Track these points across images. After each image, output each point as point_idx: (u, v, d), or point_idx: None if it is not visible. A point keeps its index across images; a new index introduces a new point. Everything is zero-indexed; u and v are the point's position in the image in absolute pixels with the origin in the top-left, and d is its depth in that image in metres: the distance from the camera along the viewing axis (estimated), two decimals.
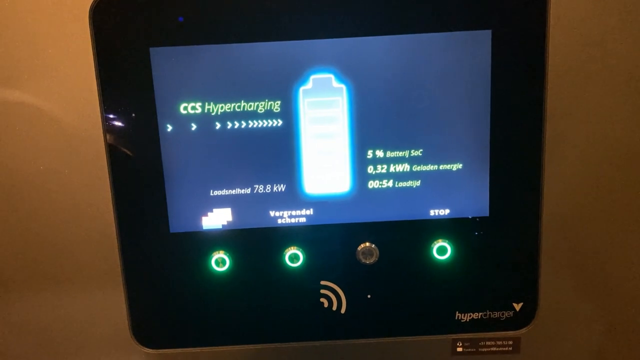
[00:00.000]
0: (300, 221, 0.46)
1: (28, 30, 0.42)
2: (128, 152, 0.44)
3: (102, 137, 0.44)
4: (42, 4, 0.41)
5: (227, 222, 0.46)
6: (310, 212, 0.46)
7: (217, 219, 0.46)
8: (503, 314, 0.48)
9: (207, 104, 0.43)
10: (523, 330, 0.48)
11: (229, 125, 0.44)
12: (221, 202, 0.45)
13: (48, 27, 0.42)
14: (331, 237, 0.46)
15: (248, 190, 0.45)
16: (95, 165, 0.44)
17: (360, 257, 0.46)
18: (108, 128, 0.44)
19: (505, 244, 0.46)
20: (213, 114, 0.44)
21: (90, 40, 0.42)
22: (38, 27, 0.42)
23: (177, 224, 0.46)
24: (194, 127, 0.44)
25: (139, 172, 0.45)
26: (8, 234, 0.46)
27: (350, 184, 0.45)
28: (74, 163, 0.44)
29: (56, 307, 0.48)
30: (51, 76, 0.43)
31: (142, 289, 0.47)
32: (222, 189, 0.45)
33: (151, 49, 0.42)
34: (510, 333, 0.48)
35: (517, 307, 0.48)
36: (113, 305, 0.47)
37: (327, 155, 0.45)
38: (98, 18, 0.41)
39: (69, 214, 0.45)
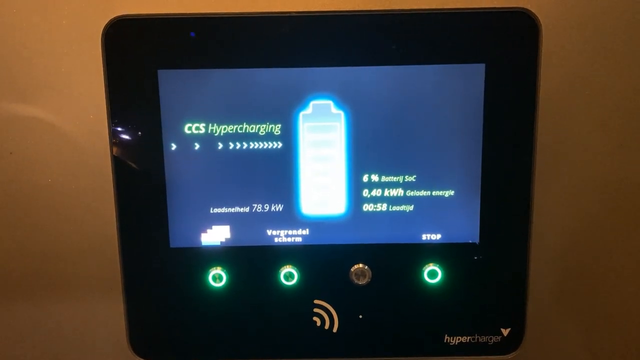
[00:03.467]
0: (296, 241, 0.47)
1: (43, 49, 0.43)
2: (133, 169, 0.45)
3: (109, 154, 0.45)
4: (58, 25, 0.43)
5: (226, 239, 0.47)
6: (306, 232, 0.47)
7: (216, 235, 0.47)
8: (491, 339, 0.48)
9: (210, 125, 0.45)
10: (510, 356, 0.49)
11: (231, 145, 0.45)
12: (220, 219, 0.47)
13: (62, 47, 0.43)
14: (326, 257, 0.47)
15: (247, 209, 0.46)
16: (100, 180, 0.45)
17: (353, 277, 0.47)
18: (115, 145, 0.45)
19: (494, 270, 0.47)
20: (216, 134, 0.45)
21: (101, 60, 0.43)
22: (53, 47, 0.43)
23: (177, 239, 0.47)
24: (197, 146, 0.45)
25: (142, 187, 0.46)
26: (13, 243, 0.47)
27: (345, 206, 0.47)
28: (80, 177, 0.45)
29: (56, 316, 0.48)
30: (63, 93, 0.44)
31: (141, 301, 0.48)
32: (221, 207, 0.46)
33: (159, 71, 0.44)
34: (498, 358, 0.49)
35: (505, 332, 0.48)
36: (112, 316, 0.48)
37: (324, 178, 0.46)
38: (110, 40, 0.43)
39: (73, 226, 0.46)
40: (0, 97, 0.44)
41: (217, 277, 0.47)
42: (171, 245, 0.47)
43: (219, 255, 0.47)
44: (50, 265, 0.47)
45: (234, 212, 0.46)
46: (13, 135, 0.45)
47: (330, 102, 0.45)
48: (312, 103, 0.45)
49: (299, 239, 0.47)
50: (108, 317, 0.48)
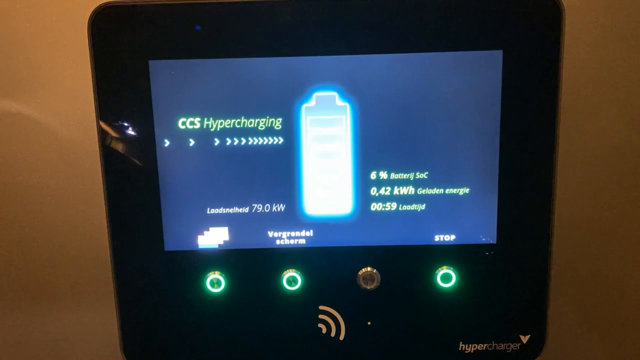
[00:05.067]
0: (299, 243, 0.45)
1: (26, 41, 0.42)
2: (124, 167, 0.43)
3: (98, 151, 0.43)
4: (41, 15, 0.41)
5: (224, 241, 0.45)
6: (310, 233, 0.45)
7: (213, 238, 0.45)
8: (509, 346, 0.46)
9: (206, 119, 0.43)
10: None
11: (229, 141, 0.43)
12: (218, 220, 0.44)
13: (47, 38, 0.42)
14: (331, 260, 0.45)
15: (246, 210, 0.44)
16: (90, 180, 0.44)
17: (361, 282, 0.45)
18: (104, 142, 0.43)
19: (513, 273, 0.45)
20: (212, 129, 0.43)
21: (88, 51, 0.41)
22: (37, 38, 0.42)
23: (172, 242, 0.45)
24: (192, 142, 0.43)
25: (134, 188, 0.44)
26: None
27: (352, 205, 0.44)
28: (69, 177, 0.44)
29: (47, 324, 0.47)
30: (49, 88, 0.43)
31: (134, 308, 0.46)
32: (219, 207, 0.44)
33: (150, 62, 0.41)
34: None
35: (524, 339, 0.46)
36: (105, 323, 0.47)
37: (329, 175, 0.44)
38: (97, 30, 0.41)
39: (62, 229, 0.45)
40: None
41: (215, 282, 0.45)
42: (166, 249, 0.45)
43: (217, 258, 0.45)
44: (38, 271, 0.46)
45: (233, 213, 0.44)
46: None
47: (335, 94, 0.42)
48: (316, 95, 0.42)
49: (302, 241, 0.45)
50: (100, 324, 0.47)
